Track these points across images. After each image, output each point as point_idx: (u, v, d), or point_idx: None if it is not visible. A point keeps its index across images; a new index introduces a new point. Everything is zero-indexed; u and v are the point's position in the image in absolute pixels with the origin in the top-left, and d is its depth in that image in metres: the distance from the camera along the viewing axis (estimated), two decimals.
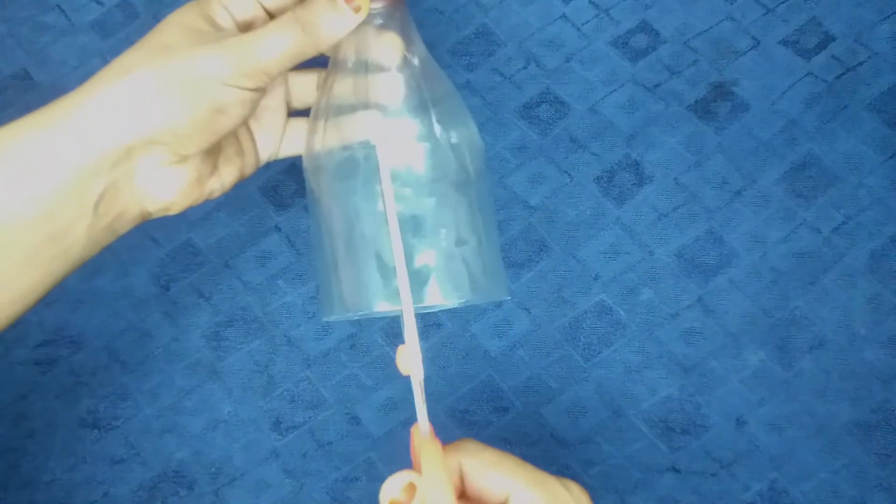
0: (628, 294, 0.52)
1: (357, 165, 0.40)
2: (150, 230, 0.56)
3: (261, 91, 0.40)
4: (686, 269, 0.53)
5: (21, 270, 0.38)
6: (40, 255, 0.38)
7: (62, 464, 0.52)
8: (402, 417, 0.52)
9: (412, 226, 0.39)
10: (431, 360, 0.52)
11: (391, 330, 0.53)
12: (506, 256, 0.53)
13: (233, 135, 0.43)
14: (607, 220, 0.54)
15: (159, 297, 0.55)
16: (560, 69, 0.57)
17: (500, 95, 0.57)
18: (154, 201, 0.40)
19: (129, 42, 0.59)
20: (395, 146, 0.39)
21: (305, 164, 0.43)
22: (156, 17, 0.59)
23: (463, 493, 0.36)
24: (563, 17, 0.58)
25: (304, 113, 0.46)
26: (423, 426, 0.37)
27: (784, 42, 0.56)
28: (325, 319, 0.42)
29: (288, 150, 0.46)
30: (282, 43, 0.39)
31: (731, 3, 0.57)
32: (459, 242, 0.40)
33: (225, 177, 0.43)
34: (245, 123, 0.44)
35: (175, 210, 0.41)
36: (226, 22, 0.41)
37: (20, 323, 0.40)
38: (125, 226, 0.41)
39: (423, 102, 0.40)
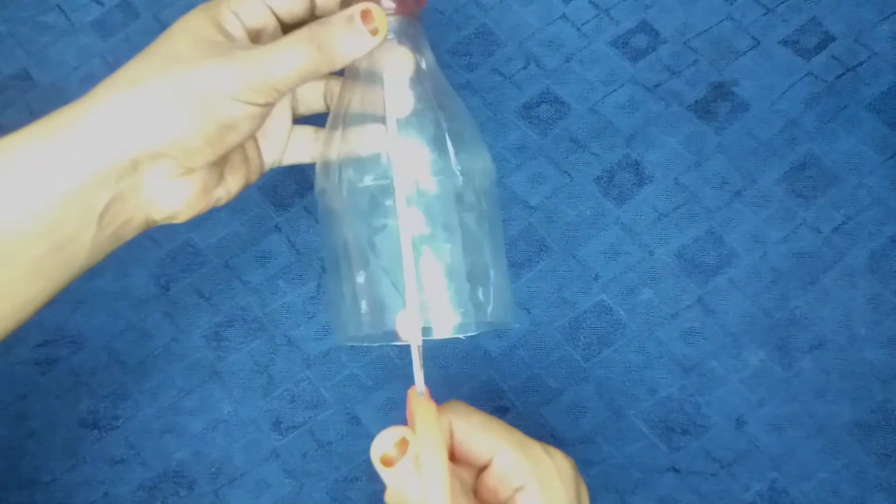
0: (628, 294, 0.52)
1: (370, 192, 0.39)
2: (150, 230, 0.55)
3: (271, 106, 0.39)
4: (686, 269, 0.53)
5: (25, 280, 0.37)
6: (44, 265, 0.37)
7: (62, 464, 0.52)
8: (403, 417, 0.51)
9: (422, 254, 0.39)
10: (432, 360, 0.52)
11: None
12: (506, 256, 0.53)
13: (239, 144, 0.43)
14: (607, 220, 0.54)
15: (159, 297, 0.55)
16: (560, 69, 0.57)
17: (500, 95, 0.57)
18: (160, 211, 0.40)
19: (129, 42, 0.60)
20: (409, 172, 0.39)
21: (318, 184, 0.42)
22: (156, 18, 0.59)
23: (451, 453, 0.38)
24: (563, 17, 0.58)
25: (308, 120, 0.45)
26: (419, 387, 0.38)
27: (784, 42, 0.56)
28: (338, 343, 0.42)
29: (292, 157, 0.45)
30: (296, 60, 0.38)
31: (731, 3, 0.57)
32: (471, 276, 0.40)
33: (231, 185, 0.42)
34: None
35: (181, 219, 0.41)
36: (236, 29, 0.40)
37: None
38: (130, 233, 0.40)
39: (436, 122, 0.40)
